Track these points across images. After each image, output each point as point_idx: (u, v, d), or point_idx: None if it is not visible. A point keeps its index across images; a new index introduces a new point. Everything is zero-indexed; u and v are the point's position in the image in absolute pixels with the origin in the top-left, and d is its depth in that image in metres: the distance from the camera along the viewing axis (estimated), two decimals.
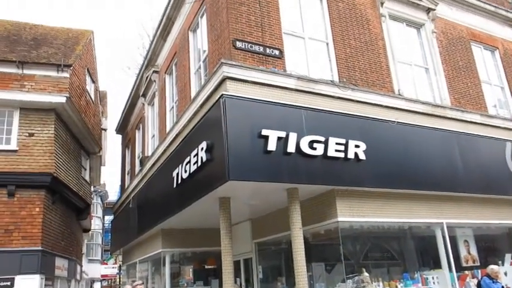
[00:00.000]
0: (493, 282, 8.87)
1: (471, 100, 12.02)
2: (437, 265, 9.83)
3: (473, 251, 10.55)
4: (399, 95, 10.47)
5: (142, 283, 10.04)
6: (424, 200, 9.78)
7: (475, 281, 9.83)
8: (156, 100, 15.03)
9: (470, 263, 10.33)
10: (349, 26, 10.50)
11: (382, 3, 11.29)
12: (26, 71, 13.53)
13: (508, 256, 10.91)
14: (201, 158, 8.28)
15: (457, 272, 9.74)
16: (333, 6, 10.44)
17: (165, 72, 13.82)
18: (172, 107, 13.14)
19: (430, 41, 12.03)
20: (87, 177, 18.33)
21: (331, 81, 9.56)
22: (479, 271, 10.12)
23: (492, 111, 12.46)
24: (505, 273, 10.32)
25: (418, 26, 12.19)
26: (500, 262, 10.59)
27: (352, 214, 8.63)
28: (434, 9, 12.23)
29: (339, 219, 8.43)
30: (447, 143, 10.37)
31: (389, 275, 9.47)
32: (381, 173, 8.98)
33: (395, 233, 9.90)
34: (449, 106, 11.27)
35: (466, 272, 10.10)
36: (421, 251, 10.39)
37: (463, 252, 10.36)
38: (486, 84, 12.85)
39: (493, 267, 9.13)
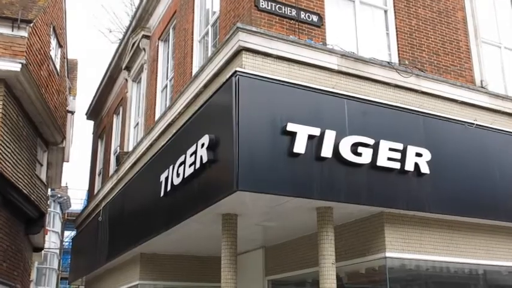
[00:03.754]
0: None
1: None
2: None
3: None
4: (482, 87, 10.43)
5: None
6: (509, 236, 9.70)
7: None
8: (144, 76, 15.14)
9: None
10: None
11: None
12: None
13: None
14: (201, 157, 8.28)
15: None
16: None
17: (159, 38, 13.92)
18: (166, 86, 13.22)
19: None
20: (43, 176, 18.52)
21: (388, 62, 9.53)
22: None
23: None
24: None
25: None
26: None
27: (405, 248, 8.58)
28: None
29: (387, 254, 8.37)
30: None
31: None
32: (449, 194, 8.93)
33: (466, 279, 9.83)
34: None
35: None
36: None
37: None
38: None
39: None
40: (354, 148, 8.13)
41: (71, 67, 24.26)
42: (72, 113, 23.25)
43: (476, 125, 9.68)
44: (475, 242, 9.35)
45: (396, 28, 10.02)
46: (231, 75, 7.87)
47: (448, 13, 10.73)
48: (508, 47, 11.63)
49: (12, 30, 14.02)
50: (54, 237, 42.16)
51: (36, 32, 15.25)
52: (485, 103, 10.21)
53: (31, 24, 14.41)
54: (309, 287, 10.52)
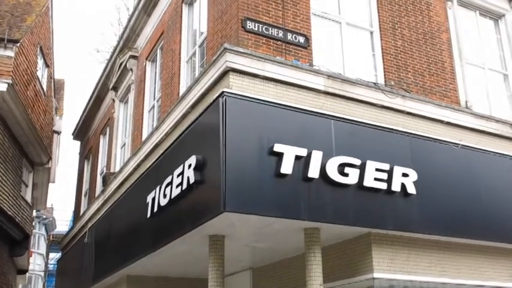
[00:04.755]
0: None
1: None
2: None
3: None
4: (466, 108, 10.53)
5: None
6: (499, 256, 9.75)
7: None
8: (131, 96, 15.14)
9: None
10: (403, 10, 10.62)
11: None
12: None
13: None
14: (188, 178, 8.25)
15: None
16: None
17: (147, 59, 13.95)
18: (153, 107, 13.22)
19: None
20: (28, 198, 18.40)
21: (374, 83, 9.59)
22: None
23: None
24: None
25: (496, 17, 12.34)
26: None
27: (393, 269, 8.56)
28: None
29: (375, 275, 8.34)
30: None
31: None
32: (436, 214, 8.94)
33: None
34: None
35: None
36: None
37: None
38: None
39: None
40: (341, 168, 8.14)
41: (57, 87, 24.21)
42: (59, 133, 23.18)
43: (462, 145, 9.72)
44: (462, 262, 9.35)
45: (382, 49, 10.11)
46: (218, 96, 7.87)
47: (433, 35, 10.84)
48: (491, 68, 11.77)
49: None
50: (39, 259, 41.69)
51: (23, 51, 15.24)
52: (470, 123, 10.29)
53: (18, 44, 14.42)
54: None
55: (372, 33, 10.28)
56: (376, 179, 8.40)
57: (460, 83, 10.76)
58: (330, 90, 8.92)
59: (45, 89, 19.13)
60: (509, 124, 10.89)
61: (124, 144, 15.33)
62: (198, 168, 8.02)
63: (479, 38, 11.81)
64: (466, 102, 10.63)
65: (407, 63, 10.23)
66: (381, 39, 10.18)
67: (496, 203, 9.67)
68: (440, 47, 10.83)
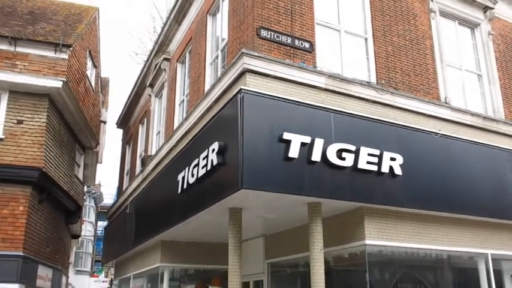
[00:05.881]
0: None
1: None
2: None
3: None
4: (446, 103, 10.46)
5: None
6: (468, 227, 9.72)
7: None
8: (164, 92, 15.19)
9: None
10: (392, 20, 10.52)
11: None
12: (19, 49, 13.76)
13: None
14: (211, 161, 8.33)
15: None
16: None
17: (177, 61, 13.97)
18: (183, 101, 13.27)
19: (486, 44, 11.98)
20: (80, 176, 18.59)
21: (368, 82, 9.57)
22: None
23: None
24: None
25: (472, 26, 12.15)
26: None
27: (382, 237, 8.61)
28: (492, 8, 12.16)
29: (367, 242, 8.40)
30: (499, 163, 10.29)
31: None
32: (418, 192, 8.96)
33: (432, 262, 9.83)
34: (503, 120, 11.20)
35: None
36: (460, 284, 10.29)
37: None
38: None
39: None
40: (339, 153, 8.17)
41: (103, 84, 24.31)
42: (105, 122, 23.30)
43: (441, 134, 9.70)
44: (440, 232, 9.36)
45: (375, 53, 10.04)
46: (237, 93, 7.93)
47: (418, 41, 10.77)
48: (468, 69, 11.66)
49: (55, 53, 14.07)
50: (89, 227, 42.17)
51: (75, 54, 15.33)
52: (449, 116, 10.25)
53: (71, 48, 14.47)
54: (302, 269, 10.53)
55: (366, 39, 10.22)
56: (368, 162, 8.43)
57: (440, 82, 10.69)
58: (330, 87, 8.92)
59: (93, 86, 19.24)
60: (482, 117, 10.84)
61: (159, 132, 15.41)
62: (220, 152, 8.10)
63: (457, 43, 11.69)
64: (446, 98, 10.57)
65: (396, 65, 10.17)
66: (374, 45, 10.11)
67: (468, 183, 9.65)
68: (424, 51, 10.75)
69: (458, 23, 11.94)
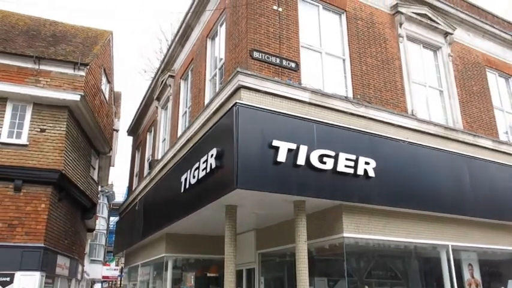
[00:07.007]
0: None
1: (483, 125, 12.02)
2: (440, 287, 9.78)
3: (477, 275, 10.48)
4: (412, 115, 10.51)
5: None
6: (431, 222, 9.76)
7: None
8: (169, 104, 15.17)
9: (473, 287, 10.26)
10: (366, 43, 10.58)
11: (400, 24, 11.37)
12: (43, 67, 13.76)
13: (510, 282, 10.88)
14: (210, 164, 8.32)
15: None
16: (351, 23, 10.53)
17: (181, 78, 13.97)
18: (185, 112, 13.25)
19: (446, 64, 12.08)
20: (95, 177, 18.50)
21: (345, 97, 9.62)
22: None
23: (503, 137, 12.47)
24: None
25: (434, 49, 12.25)
26: (502, 287, 10.53)
27: (358, 231, 8.62)
28: (451, 34, 12.29)
29: (345, 234, 8.41)
30: (457, 167, 10.36)
31: None
32: (389, 191, 8.99)
33: (401, 253, 9.85)
34: (461, 129, 11.29)
35: None
36: (425, 272, 10.32)
37: (466, 276, 10.31)
38: (498, 111, 12.90)
39: None
40: (321, 158, 8.20)
41: (116, 97, 24.23)
42: (117, 130, 23.23)
43: (408, 142, 9.76)
44: (408, 226, 9.39)
45: (351, 72, 10.07)
46: (233, 106, 7.94)
47: (389, 61, 10.83)
48: (431, 85, 11.73)
49: (74, 71, 14.06)
50: (103, 222, 41.83)
51: (91, 72, 15.31)
52: (415, 126, 10.31)
53: (87, 67, 14.46)
54: (288, 258, 10.52)
55: (344, 60, 10.26)
56: (346, 166, 8.46)
57: (408, 97, 10.74)
58: (313, 101, 8.95)
59: (107, 99, 19.19)
60: (443, 127, 10.91)
61: (164, 139, 15.38)
62: (218, 157, 8.09)
63: (422, 64, 11.77)
64: (412, 110, 10.63)
65: (369, 82, 10.22)
66: (351, 65, 10.14)
67: (431, 184, 9.69)
68: (393, 70, 10.82)
69: (423, 46, 12.03)
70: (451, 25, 12.34)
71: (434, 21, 12.04)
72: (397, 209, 9.15)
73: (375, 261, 9.78)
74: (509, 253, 11.18)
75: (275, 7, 9.35)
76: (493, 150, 11.56)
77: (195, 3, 12.24)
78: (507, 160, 11.59)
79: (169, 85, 15.11)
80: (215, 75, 11.04)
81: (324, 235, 8.90)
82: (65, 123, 13.68)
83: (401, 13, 11.39)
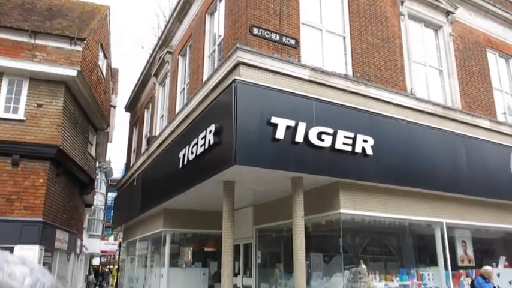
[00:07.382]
0: (486, 282, 9.14)
1: (482, 105, 12.06)
2: (433, 263, 9.98)
3: (470, 252, 10.70)
4: (411, 94, 10.52)
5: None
6: (427, 199, 9.86)
7: (469, 280, 10.06)
8: (167, 81, 15.12)
9: (466, 263, 10.50)
10: (367, 21, 10.52)
11: (402, 2, 11.29)
12: (39, 41, 13.60)
13: (502, 258, 11.14)
14: (209, 140, 8.35)
15: (452, 270, 9.91)
16: (353, 1, 10.45)
17: (179, 54, 13.88)
18: (184, 89, 13.22)
19: (447, 44, 12.04)
20: (93, 153, 18.52)
21: (345, 75, 9.60)
22: (474, 271, 10.34)
23: (501, 118, 12.51)
24: (498, 275, 10.54)
25: (436, 28, 12.18)
26: (494, 264, 10.79)
27: (354, 207, 8.72)
28: (453, 13, 12.21)
29: (341, 211, 8.51)
30: (454, 146, 10.43)
31: (386, 269, 9.59)
32: (386, 169, 9.06)
33: (395, 229, 10.00)
34: (459, 109, 11.32)
35: (461, 271, 10.31)
36: (419, 248, 10.51)
37: (459, 252, 10.53)
38: (497, 91, 12.91)
39: (486, 268, 9.41)
40: (319, 135, 8.22)
41: (113, 73, 24.07)
42: (114, 107, 23.15)
43: (407, 120, 9.77)
44: (403, 203, 9.48)
45: (351, 50, 10.04)
46: (232, 82, 7.92)
47: (389, 40, 10.79)
48: (431, 65, 11.73)
49: (70, 46, 13.93)
50: (101, 197, 41.99)
51: (88, 47, 15.16)
52: (414, 105, 10.32)
53: (84, 41, 14.32)
54: (285, 234, 10.66)
55: (344, 38, 10.22)
56: (344, 144, 8.49)
57: (407, 76, 10.74)
58: (313, 79, 8.93)
59: (104, 75, 19.06)
60: (442, 106, 10.95)
61: (162, 116, 15.37)
62: (216, 133, 8.12)
63: (423, 43, 11.74)
64: (411, 89, 10.64)
65: (369, 60, 10.19)
66: (351, 43, 10.11)
67: (428, 162, 9.76)
68: (394, 49, 10.78)
69: (424, 25, 11.97)
70: (453, 4, 12.24)
71: None
72: (393, 186, 9.24)
73: (370, 237, 9.94)
74: (502, 231, 11.38)
75: None
76: (490, 130, 11.62)
77: None
78: (504, 140, 11.67)
79: (167, 61, 15.02)
80: (214, 51, 10.97)
81: (321, 211, 9.00)
82: (62, 98, 13.60)
83: None
